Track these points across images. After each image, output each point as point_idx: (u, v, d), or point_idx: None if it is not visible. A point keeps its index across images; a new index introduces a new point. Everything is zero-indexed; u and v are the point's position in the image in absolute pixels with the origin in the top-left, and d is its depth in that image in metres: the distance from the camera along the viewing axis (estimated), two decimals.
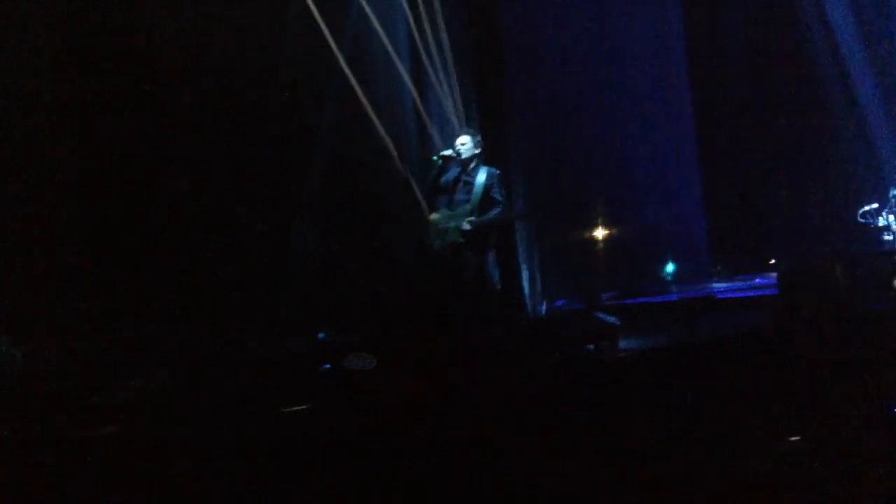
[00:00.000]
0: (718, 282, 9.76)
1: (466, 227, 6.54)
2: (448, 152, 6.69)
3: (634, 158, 10.16)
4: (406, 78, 7.66)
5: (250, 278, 6.96)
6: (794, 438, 3.93)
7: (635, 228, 10.07)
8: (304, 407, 5.12)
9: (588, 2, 9.88)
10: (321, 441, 4.47)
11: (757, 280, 9.11)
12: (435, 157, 6.73)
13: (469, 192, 6.61)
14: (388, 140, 7.41)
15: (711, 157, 10.50)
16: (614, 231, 10.06)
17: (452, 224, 6.59)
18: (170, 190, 6.66)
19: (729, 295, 8.64)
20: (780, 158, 10.00)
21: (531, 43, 9.24)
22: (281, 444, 4.41)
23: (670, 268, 10.22)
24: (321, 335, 7.45)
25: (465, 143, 6.71)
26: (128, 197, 6.42)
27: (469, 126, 7.60)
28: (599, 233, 10.03)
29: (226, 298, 6.71)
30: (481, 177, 6.63)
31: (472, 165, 6.71)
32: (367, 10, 7.40)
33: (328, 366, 6.38)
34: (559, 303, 8.86)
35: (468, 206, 6.58)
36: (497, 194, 6.70)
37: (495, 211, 6.66)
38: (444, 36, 7.78)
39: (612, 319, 6.36)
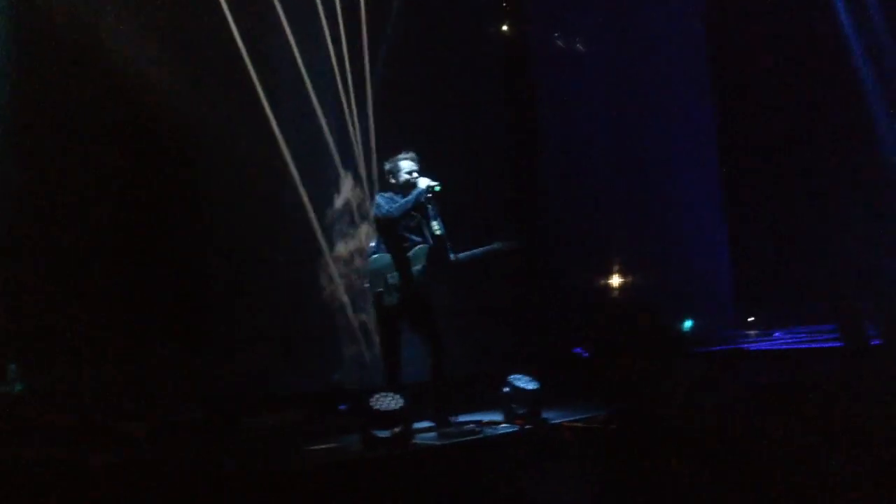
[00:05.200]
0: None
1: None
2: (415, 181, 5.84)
3: (658, 207, 10.38)
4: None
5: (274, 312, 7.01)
6: None
7: (657, 277, 10.21)
8: (330, 445, 5.24)
9: (618, 54, 10.22)
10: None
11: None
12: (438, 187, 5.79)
13: (423, 227, 5.83)
14: None
15: (738, 206, 10.69)
16: (634, 279, 10.21)
17: (420, 265, 5.80)
18: (199, 219, 6.75)
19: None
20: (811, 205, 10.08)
21: (561, 93, 9.60)
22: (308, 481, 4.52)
23: (688, 323, 10.24)
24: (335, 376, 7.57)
25: (414, 168, 5.91)
26: (153, 221, 6.49)
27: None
28: (616, 280, 10.18)
29: (248, 332, 6.77)
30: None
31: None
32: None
33: (343, 406, 6.55)
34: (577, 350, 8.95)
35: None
36: None
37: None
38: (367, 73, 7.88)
39: (530, 385, 5.83)
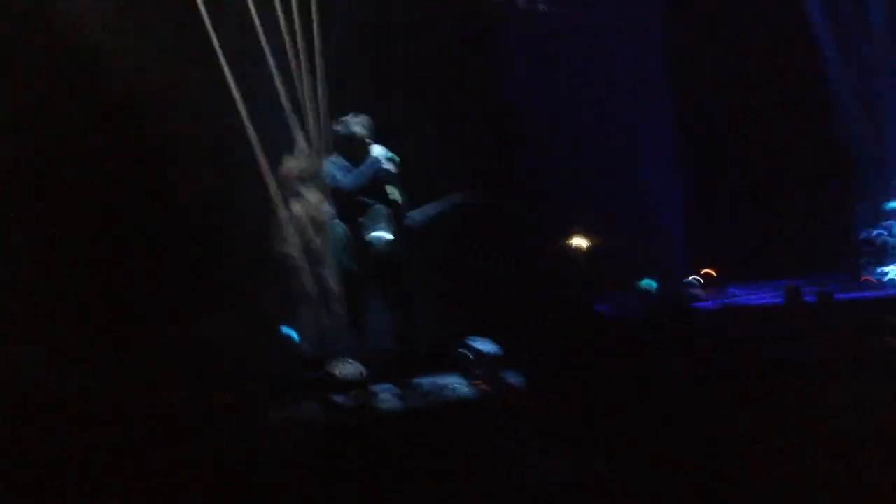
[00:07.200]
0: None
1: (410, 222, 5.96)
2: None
3: (613, 167, 10.47)
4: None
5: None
6: None
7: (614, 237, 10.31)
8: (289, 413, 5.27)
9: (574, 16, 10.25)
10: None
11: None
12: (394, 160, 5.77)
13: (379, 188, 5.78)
14: None
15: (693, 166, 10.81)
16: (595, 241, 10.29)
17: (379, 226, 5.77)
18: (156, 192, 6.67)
19: None
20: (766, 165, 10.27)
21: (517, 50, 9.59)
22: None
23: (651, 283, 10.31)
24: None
25: (366, 134, 5.84)
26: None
27: None
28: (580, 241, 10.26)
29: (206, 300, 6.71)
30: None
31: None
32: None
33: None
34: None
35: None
36: None
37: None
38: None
39: (489, 347, 6.00)
